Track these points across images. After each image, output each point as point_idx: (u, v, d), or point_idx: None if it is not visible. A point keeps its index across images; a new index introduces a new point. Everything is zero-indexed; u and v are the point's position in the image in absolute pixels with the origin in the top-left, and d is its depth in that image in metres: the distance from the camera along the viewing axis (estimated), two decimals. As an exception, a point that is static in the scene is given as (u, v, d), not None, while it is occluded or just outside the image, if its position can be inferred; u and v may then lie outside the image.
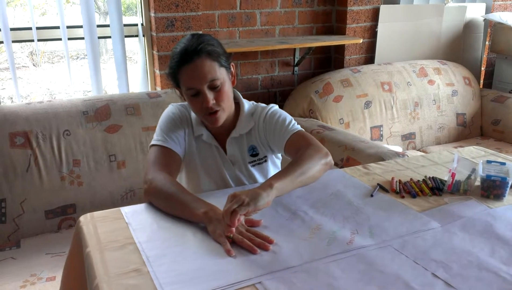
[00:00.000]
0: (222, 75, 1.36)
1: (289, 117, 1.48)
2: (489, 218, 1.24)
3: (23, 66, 6.15)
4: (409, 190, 1.39)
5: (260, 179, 1.53)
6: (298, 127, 1.45)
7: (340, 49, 3.06)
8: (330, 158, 1.36)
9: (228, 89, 1.39)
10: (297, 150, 1.37)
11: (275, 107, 1.51)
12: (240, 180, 1.51)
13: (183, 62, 1.33)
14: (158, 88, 2.57)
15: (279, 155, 1.59)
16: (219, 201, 1.24)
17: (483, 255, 1.07)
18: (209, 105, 1.34)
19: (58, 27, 2.29)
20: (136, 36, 2.53)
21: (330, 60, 3.16)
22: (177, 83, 1.39)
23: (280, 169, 1.62)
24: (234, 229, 1.09)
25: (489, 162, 1.46)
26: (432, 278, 0.98)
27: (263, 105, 1.53)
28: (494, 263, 1.04)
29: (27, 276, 1.65)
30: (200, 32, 2.49)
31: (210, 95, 1.34)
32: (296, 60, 2.98)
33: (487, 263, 1.03)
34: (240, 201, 1.10)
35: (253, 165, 1.51)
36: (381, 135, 2.86)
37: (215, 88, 1.35)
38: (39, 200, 1.93)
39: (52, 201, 1.95)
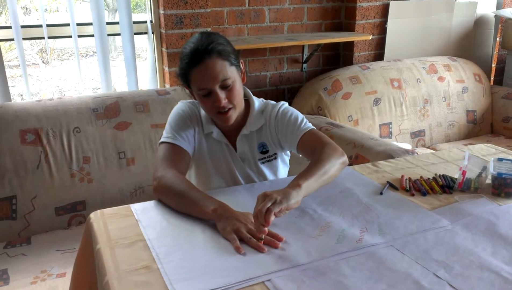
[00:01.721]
0: (233, 73, 1.36)
1: (300, 115, 1.48)
2: (492, 217, 1.22)
3: (33, 64, 6.19)
4: (419, 188, 1.38)
5: (270, 176, 1.53)
6: (310, 125, 1.45)
7: (349, 45, 3.05)
8: (345, 157, 1.37)
9: (239, 87, 1.39)
10: (312, 149, 1.37)
11: (285, 104, 1.51)
12: (250, 177, 1.51)
13: (194, 63, 1.32)
14: (167, 85, 2.58)
15: (288, 152, 1.59)
16: (228, 199, 1.24)
17: (485, 255, 1.05)
18: (221, 104, 1.34)
19: (68, 25, 2.31)
20: (145, 33, 2.54)
21: (339, 57, 3.15)
22: (188, 83, 1.39)
23: (288, 166, 1.62)
24: (267, 229, 1.08)
25: (500, 159, 1.44)
26: (438, 278, 0.97)
27: (273, 102, 1.53)
28: (496, 263, 1.02)
29: (38, 273, 1.66)
30: (209, 30, 2.50)
31: (221, 95, 1.34)
32: (305, 57, 2.97)
33: (489, 263, 1.02)
34: (273, 200, 1.09)
35: (263, 162, 1.51)
36: (390, 133, 2.84)
37: (227, 87, 1.35)
38: (49, 197, 1.94)
39: (62, 198, 1.97)
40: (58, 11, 6.19)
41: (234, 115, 1.41)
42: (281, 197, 1.11)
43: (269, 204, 1.08)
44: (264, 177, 1.52)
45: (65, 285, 1.58)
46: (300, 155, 1.46)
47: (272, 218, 1.08)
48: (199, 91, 1.36)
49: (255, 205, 1.11)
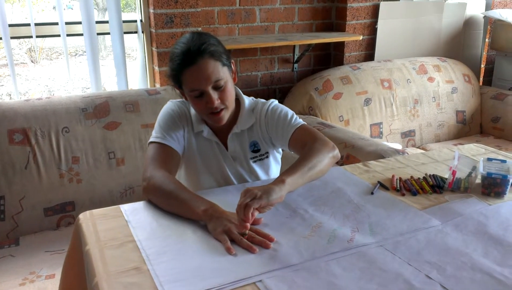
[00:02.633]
0: (225, 74, 1.35)
1: (290, 111, 1.48)
2: (481, 217, 1.23)
3: (21, 63, 6.13)
4: (409, 187, 1.38)
5: (262, 175, 1.53)
6: (301, 121, 1.45)
7: (340, 46, 3.06)
8: (337, 151, 1.37)
9: (231, 88, 1.39)
10: (303, 145, 1.37)
11: (275, 102, 1.51)
12: (241, 176, 1.51)
13: (186, 64, 1.31)
14: (157, 85, 2.56)
15: (280, 150, 1.59)
16: (219, 199, 1.24)
17: (476, 256, 1.05)
18: (214, 105, 1.34)
19: (56, 24, 2.28)
20: (135, 32, 2.52)
21: (330, 57, 3.15)
22: (179, 84, 1.38)
23: (280, 164, 1.62)
24: (248, 225, 1.08)
25: (489, 159, 1.45)
26: (430, 278, 0.97)
27: (263, 100, 1.53)
28: (488, 264, 1.02)
29: (26, 274, 1.64)
30: (199, 29, 2.49)
31: (214, 95, 1.34)
32: (296, 57, 2.97)
33: (481, 264, 1.02)
34: (253, 195, 1.10)
35: (255, 161, 1.51)
36: (381, 133, 2.85)
37: (219, 88, 1.35)
38: (38, 197, 1.92)
39: (51, 199, 1.95)
40: (44, 8, 6.14)
41: (226, 115, 1.40)
42: (261, 192, 1.11)
43: (248, 200, 1.09)
44: (256, 176, 1.52)
45: (54, 286, 1.57)
46: (292, 152, 1.46)
47: (255, 213, 1.09)
48: (191, 92, 1.35)
49: (238, 201, 1.12)
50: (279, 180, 1.19)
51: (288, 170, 1.25)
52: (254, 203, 1.09)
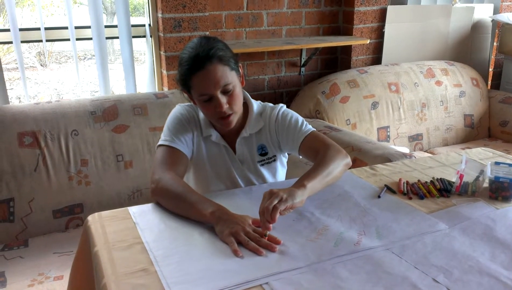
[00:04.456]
0: (233, 78, 1.37)
1: (300, 117, 1.49)
2: (489, 221, 1.22)
3: (30, 66, 6.19)
4: (416, 191, 1.38)
5: (269, 178, 1.54)
6: (310, 127, 1.47)
7: (347, 49, 3.06)
8: (349, 159, 1.39)
9: (239, 92, 1.40)
10: (316, 152, 1.39)
11: (284, 107, 1.52)
12: (249, 179, 1.52)
13: (195, 69, 1.33)
14: (165, 89, 2.58)
15: (286, 154, 1.60)
16: (226, 202, 1.25)
17: (483, 260, 1.05)
18: (222, 109, 1.35)
19: (66, 28, 2.31)
20: (144, 36, 2.54)
21: (337, 60, 3.15)
22: (188, 88, 1.40)
23: (286, 167, 1.62)
24: (271, 226, 1.10)
25: (497, 163, 1.45)
26: (436, 282, 0.97)
27: (271, 104, 1.54)
28: (495, 267, 1.02)
29: (35, 275, 1.66)
30: (207, 33, 2.51)
31: (223, 100, 1.35)
32: (303, 60, 2.97)
33: (488, 268, 1.02)
34: (279, 197, 1.12)
35: (262, 164, 1.52)
36: (388, 136, 2.85)
37: (228, 92, 1.36)
38: (47, 199, 1.94)
39: (60, 201, 1.96)
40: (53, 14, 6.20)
41: (235, 119, 1.42)
42: (286, 195, 1.13)
43: (275, 202, 1.11)
44: (263, 179, 1.53)
45: (62, 287, 1.58)
46: (301, 157, 1.47)
47: (277, 215, 1.10)
48: (200, 96, 1.36)
49: (261, 202, 1.14)
50: (300, 184, 1.20)
51: (307, 175, 1.26)
52: (280, 205, 1.11)
